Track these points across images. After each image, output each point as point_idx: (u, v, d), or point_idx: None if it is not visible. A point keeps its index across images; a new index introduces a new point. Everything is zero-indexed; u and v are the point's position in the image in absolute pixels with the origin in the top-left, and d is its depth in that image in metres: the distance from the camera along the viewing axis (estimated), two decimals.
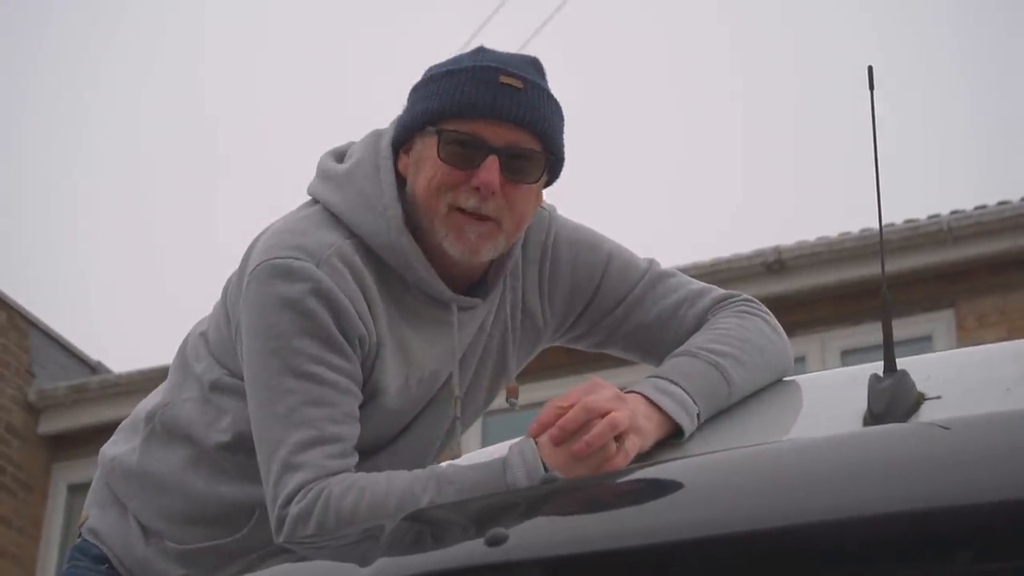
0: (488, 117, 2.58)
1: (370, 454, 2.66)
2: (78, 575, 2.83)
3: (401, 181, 2.68)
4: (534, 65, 2.66)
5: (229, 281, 2.75)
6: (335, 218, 2.66)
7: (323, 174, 2.73)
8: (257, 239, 2.70)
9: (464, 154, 2.59)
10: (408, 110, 2.68)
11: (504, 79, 2.59)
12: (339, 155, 2.77)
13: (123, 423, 2.93)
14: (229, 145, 26.97)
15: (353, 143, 2.78)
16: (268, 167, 24.98)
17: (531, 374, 3.01)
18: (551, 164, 2.65)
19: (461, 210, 2.60)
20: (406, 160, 2.67)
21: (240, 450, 2.66)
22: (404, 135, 2.67)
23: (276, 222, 2.71)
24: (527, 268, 2.78)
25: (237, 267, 2.73)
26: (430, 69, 2.68)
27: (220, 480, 2.73)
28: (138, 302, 24.98)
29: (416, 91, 2.68)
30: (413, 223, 2.66)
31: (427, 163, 2.62)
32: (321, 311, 2.56)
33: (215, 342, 2.75)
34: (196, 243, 25.50)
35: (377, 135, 2.73)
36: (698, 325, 2.75)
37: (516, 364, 2.82)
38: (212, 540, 2.73)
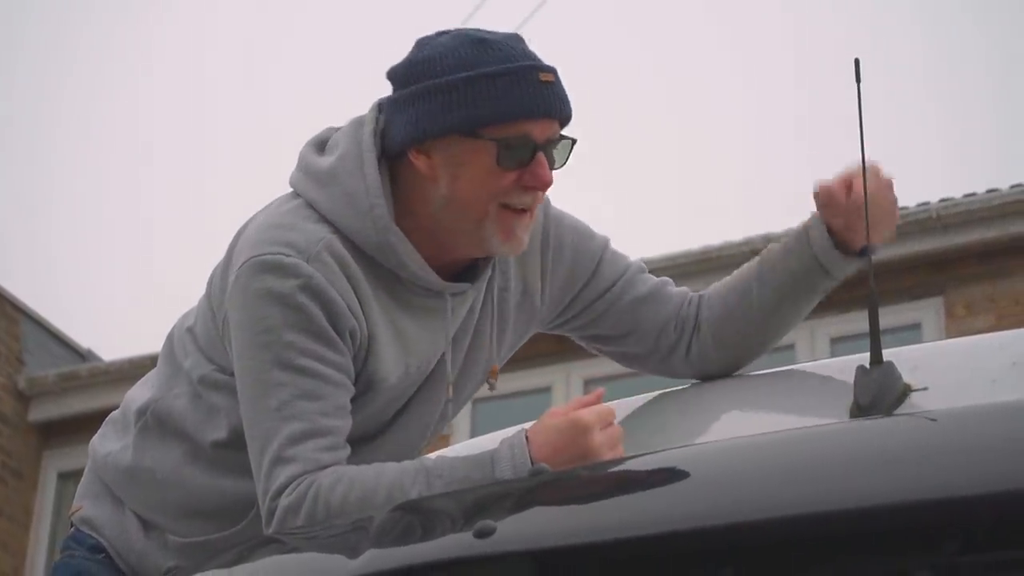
0: (539, 118, 2.62)
1: (366, 440, 2.67)
2: (74, 565, 2.81)
3: (386, 173, 2.67)
4: (526, 44, 2.69)
5: (213, 274, 2.74)
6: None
7: (305, 168, 2.72)
8: (241, 232, 2.70)
9: (518, 157, 2.62)
10: (433, 115, 2.61)
11: (543, 77, 2.63)
12: (320, 144, 2.75)
13: (112, 415, 2.92)
14: (220, 131, 26.94)
15: (334, 130, 2.76)
16: (258, 152, 24.95)
17: (518, 362, 3.02)
18: None
19: (509, 207, 2.63)
20: (426, 160, 2.64)
21: (237, 446, 2.65)
22: (425, 137, 2.63)
23: (260, 214, 2.70)
24: (529, 251, 2.79)
25: (221, 260, 2.73)
26: (436, 67, 2.61)
27: (221, 474, 2.73)
28: (129, 290, 24.96)
29: (437, 95, 2.61)
30: (404, 215, 2.66)
31: (474, 168, 2.61)
32: (311, 306, 2.56)
33: (203, 336, 2.75)
34: (187, 230, 25.47)
35: (358, 124, 2.71)
36: (682, 297, 2.86)
37: (509, 346, 2.85)
38: (212, 533, 2.73)
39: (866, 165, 2.53)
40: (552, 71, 2.65)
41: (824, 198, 2.71)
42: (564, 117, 2.66)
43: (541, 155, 2.62)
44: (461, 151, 2.63)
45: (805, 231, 2.76)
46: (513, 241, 2.66)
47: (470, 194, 2.63)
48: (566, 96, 2.66)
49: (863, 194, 2.57)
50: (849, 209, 2.68)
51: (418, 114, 2.64)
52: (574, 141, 2.68)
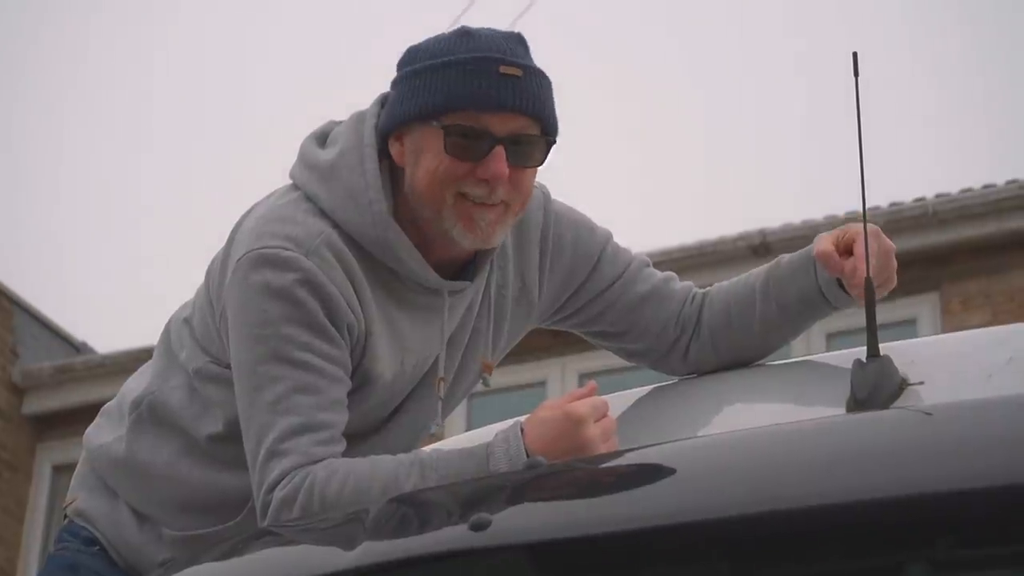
0: (493, 110, 2.59)
1: (362, 437, 2.67)
2: (68, 557, 2.80)
3: (387, 169, 2.68)
4: (521, 43, 2.67)
5: (212, 265, 2.73)
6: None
7: (306, 162, 2.72)
8: (241, 224, 2.69)
9: (470, 146, 2.60)
10: (402, 101, 2.65)
11: (504, 69, 2.60)
12: (322, 138, 2.76)
13: (107, 406, 2.91)
14: (217, 123, 26.92)
15: (335, 124, 2.76)
16: (255, 145, 24.94)
17: (513, 356, 3.02)
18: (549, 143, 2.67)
19: (467, 198, 2.61)
20: (399, 148, 2.66)
21: (232, 440, 2.64)
22: (397, 124, 2.66)
23: (259, 206, 2.70)
24: (527, 246, 2.80)
25: (220, 251, 2.72)
26: (416, 55, 2.67)
27: (217, 468, 2.72)
28: (123, 282, 24.96)
29: (408, 81, 2.66)
30: (405, 212, 2.66)
31: (429, 155, 2.62)
32: (310, 300, 2.56)
33: (199, 328, 2.74)
34: (183, 222, 25.47)
35: (360, 119, 2.71)
36: (685, 294, 2.85)
37: (506, 343, 2.85)
38: (207, 527, 2.72)
39: (867, 209, 2.50)
40: (520, 66, 2.61)
41: (823, 261, 2.69)
42: (528, 113, 2.60)
43: (499, 148, 2.59)
44: (420, 138, 2.63)
45: (812, 261, 2.74)
46: (477, 232, 2.62)
47: (425, 182, 2.62)
48: (535, 93, 2.62)
49: (862, 245, 2.56)
50: (849, 272, 2.66)
51: (393, 101, 2.68)
52: (551, 141, 2.65)
